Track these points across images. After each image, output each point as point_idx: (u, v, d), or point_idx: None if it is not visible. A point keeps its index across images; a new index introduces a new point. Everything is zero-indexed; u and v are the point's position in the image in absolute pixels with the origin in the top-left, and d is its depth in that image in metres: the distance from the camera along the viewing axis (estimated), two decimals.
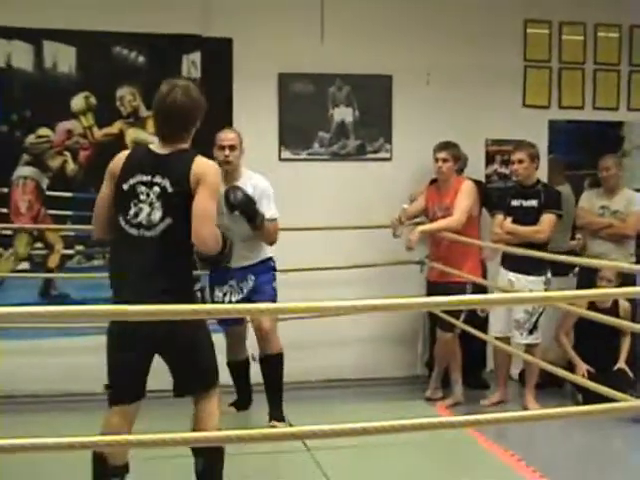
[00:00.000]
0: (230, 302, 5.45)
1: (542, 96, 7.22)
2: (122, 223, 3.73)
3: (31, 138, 6.31)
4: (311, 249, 6.53)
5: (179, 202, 3.67)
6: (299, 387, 6.41)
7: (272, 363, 5.50)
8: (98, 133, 6.40)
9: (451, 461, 4.99)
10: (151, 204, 3.69)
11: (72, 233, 6.41)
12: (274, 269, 5.60)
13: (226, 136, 5.40)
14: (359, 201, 6.77)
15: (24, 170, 6.33)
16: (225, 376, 5.77)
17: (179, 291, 3.66)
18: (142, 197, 3.70)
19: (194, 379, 3.84)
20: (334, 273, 6.58)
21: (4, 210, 6.31)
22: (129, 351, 3.69)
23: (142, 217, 3.70)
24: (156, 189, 3.69)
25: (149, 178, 3.71)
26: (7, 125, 6.26)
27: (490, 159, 7.09)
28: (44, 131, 6.32)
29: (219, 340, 5.13)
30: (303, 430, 3.12)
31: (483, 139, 7.08)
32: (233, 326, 5.69)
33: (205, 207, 3.65)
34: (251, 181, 5.38)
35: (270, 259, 5.57)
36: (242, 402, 5.92)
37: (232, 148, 5.34)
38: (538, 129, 7.10)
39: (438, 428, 3.18)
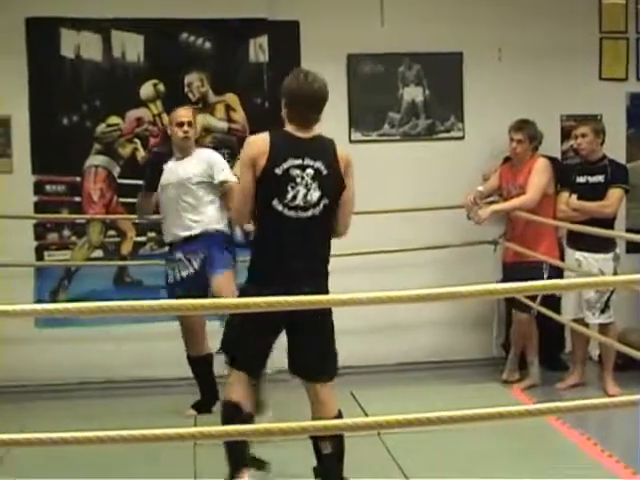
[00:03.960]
0: (182, 278, 5.34)
1: (619, 68, 6.97)
2: (279, 207, 3.82)
3: (101, 127, 6.37)
4: (383, 232, 6.45)
5: (334, 183, 3.87)
6: (373, 371, 6.39)
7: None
8: (167, 120, 6.41)
9: (523, 444, 4.84)
10: (307, 185, 3.81)
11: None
12: (228, 238, 5.42)
13: (185, 113, 5.50)
14: (432, 181, 6.64)
15: (96, 159, 6.40)
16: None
17: (327, 274, 3.92)
18: (298, 180, 3.81)
19: (327, 365, 3.96)
20: (407, 255, 6.49)
21: (77, 199, 6.38)
22: (264, 329, 3.80)
23: (299, 199, 3.82)
24: (309, 171, 3.83)
25: (300, 161, 3.82)
26: (78, 115, 6.32)
27: (566, 135, 6.87)
28: (114, 120, 6.37)
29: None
30: (378, 420, 3.08)
31: (558, 115, 6.86)
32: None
33: (353, 201, 3.99)
34: (201, 155, 5.46)
35: (222, 231, 5.38)
36: (206, 403, 5.46)
37: (189, 124, 5.44)
38: (616, 102, 6.89)
39: (509, 418, 3.09)
